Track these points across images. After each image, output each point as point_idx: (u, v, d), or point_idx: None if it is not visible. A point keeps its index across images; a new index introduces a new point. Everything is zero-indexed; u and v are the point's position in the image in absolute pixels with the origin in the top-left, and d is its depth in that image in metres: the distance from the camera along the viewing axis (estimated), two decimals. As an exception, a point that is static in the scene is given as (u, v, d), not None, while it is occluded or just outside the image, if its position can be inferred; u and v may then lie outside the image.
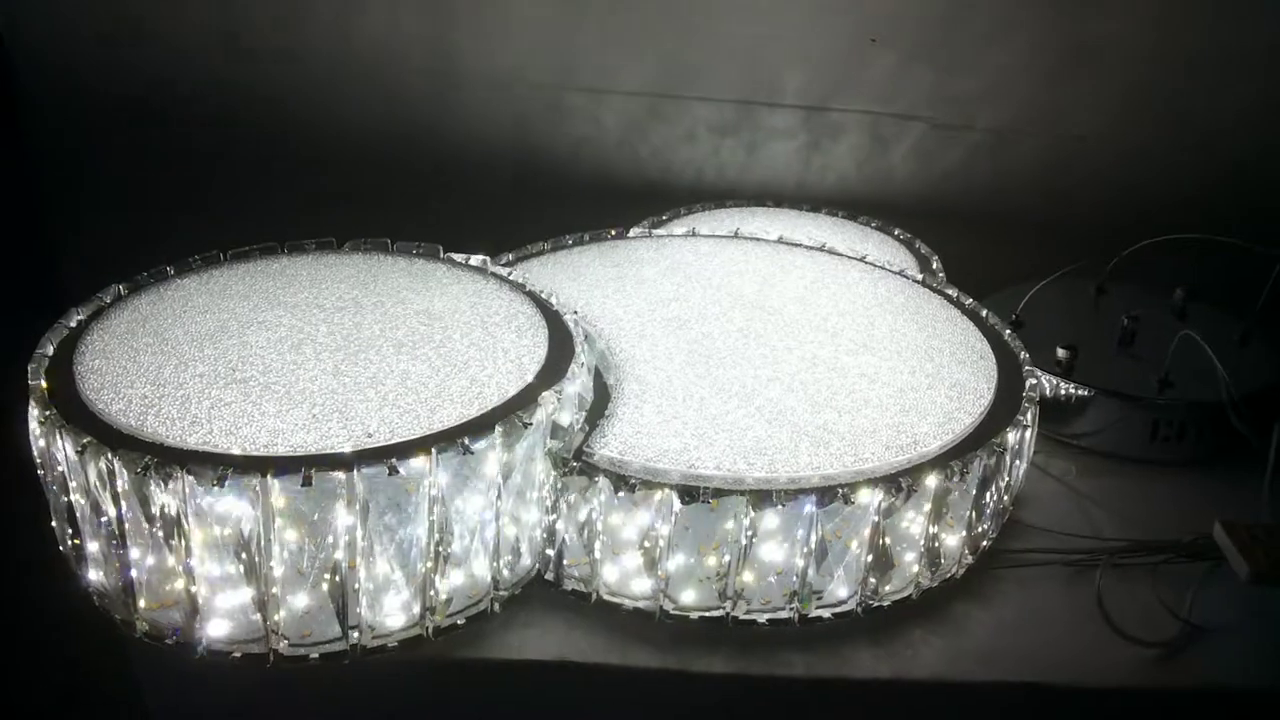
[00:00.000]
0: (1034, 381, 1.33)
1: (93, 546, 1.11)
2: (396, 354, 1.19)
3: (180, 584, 1.05)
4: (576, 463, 1.12)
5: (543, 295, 1.36)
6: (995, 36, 1.89)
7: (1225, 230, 1.58)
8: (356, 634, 1.08)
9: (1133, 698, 1.17)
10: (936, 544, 1.21)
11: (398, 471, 1.02)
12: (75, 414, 1.06)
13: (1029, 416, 1.27)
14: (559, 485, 1.13)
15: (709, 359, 1.32)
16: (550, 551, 1.18)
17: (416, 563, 1.08)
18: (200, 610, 1.05)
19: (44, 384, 1.10)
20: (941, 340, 1.41)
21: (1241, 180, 1.96)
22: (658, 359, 1.31)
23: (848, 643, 1.18)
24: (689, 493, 1.09)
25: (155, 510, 1.01)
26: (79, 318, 1.23)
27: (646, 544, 1.13)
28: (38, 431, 1.08)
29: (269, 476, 0.98)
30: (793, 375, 1.29)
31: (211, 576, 1.04)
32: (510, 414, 1.08)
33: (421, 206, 1.93)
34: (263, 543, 1.02)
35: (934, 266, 1.75)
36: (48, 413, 1.05)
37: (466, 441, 1.05)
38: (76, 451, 1.02)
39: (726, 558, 1.13)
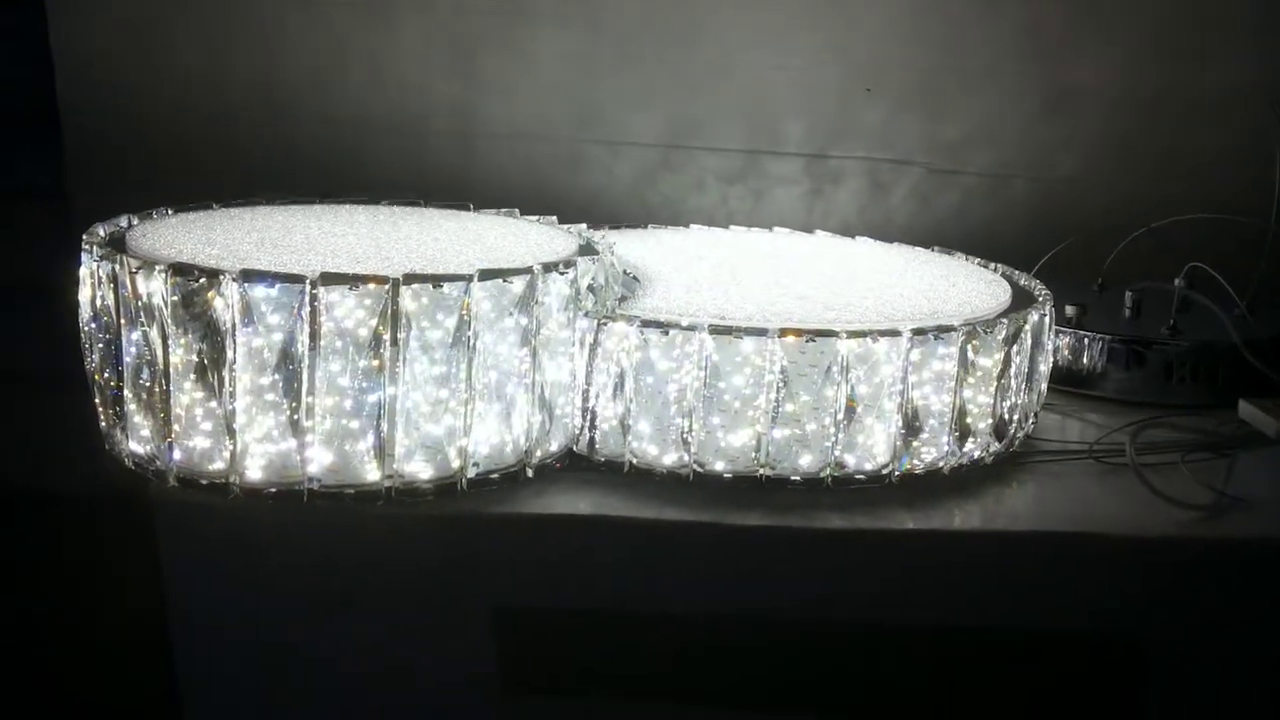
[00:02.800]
0: (1048, 292, 1.38)
1: (133, 407, 1.12)
2: (435, 240, 1.26)
3: (218, 416, 1.06)
4: (610, 313, 1.15)
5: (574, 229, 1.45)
6: (978, 85, 2.04)
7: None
8: (389, 481, 1.08)
9: (1179, 549, 1.15)
10: (966, 418, 1.22)
11: (440, 287, 1.05)
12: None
13: (1047, 309, 1.31)
14: (596, 341, 1.15)
15: (737, 277, 1.37)
16: (584, 421, 1.18)
17: (449, 400, 1.09)
18: (237, 450, 1.06)
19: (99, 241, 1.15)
20: (964, 277, 1.47)
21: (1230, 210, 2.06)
22: (686, 277, 1.37)
23: (881, 503, 1.17)
24: (721, 330, 1.12)
25: (203, 334, 1.04)
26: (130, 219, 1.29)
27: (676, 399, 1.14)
28: (94, 284, 1.11)
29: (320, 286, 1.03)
30: (818, 285, 1.35)
31: (250, 407, 1.06)
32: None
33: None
34: (306, 365, 1.04)
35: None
36: (104, 252, 1.09)
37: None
38: (131, 272, 1.05)
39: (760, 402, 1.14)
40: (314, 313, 1.03)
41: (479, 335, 1.09)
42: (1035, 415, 1.38)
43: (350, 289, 1.04)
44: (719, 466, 1.17)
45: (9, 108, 2.19)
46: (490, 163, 2.11)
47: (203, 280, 1.05)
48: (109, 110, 2.07)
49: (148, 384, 1.10)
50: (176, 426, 1.09)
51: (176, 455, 1.10)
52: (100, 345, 1.15)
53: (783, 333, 1.12)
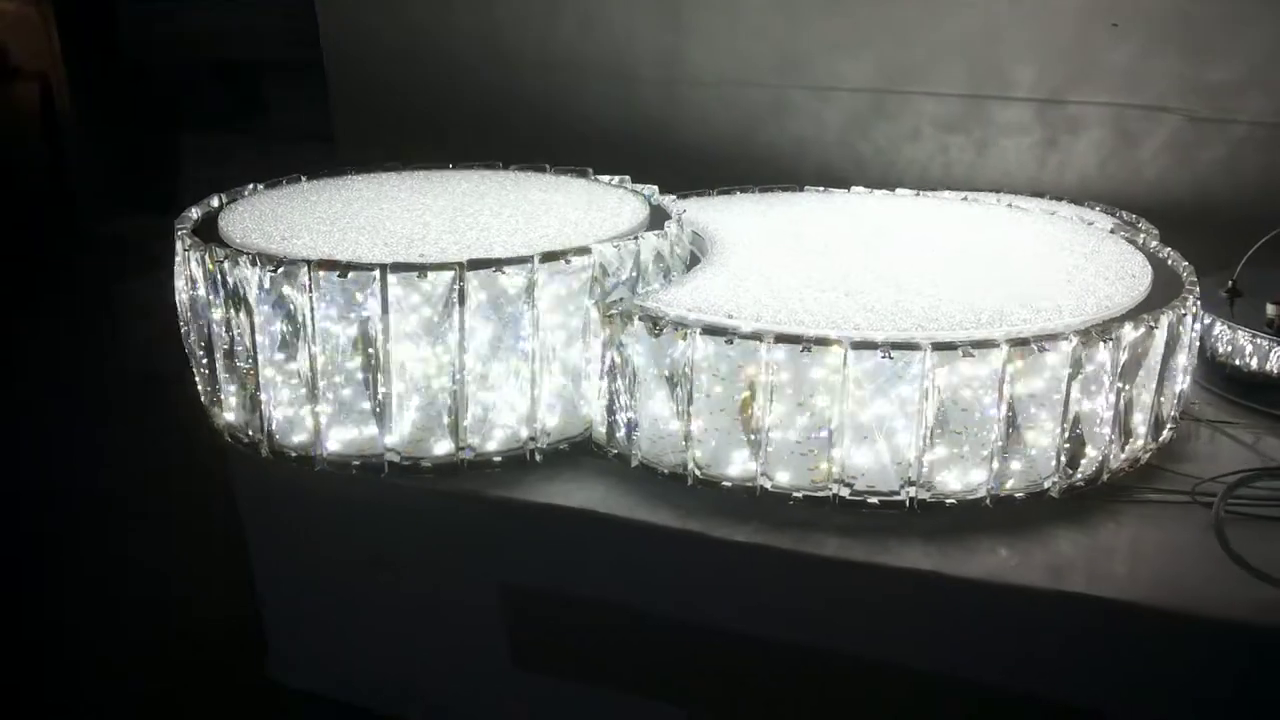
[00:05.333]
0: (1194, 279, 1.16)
1: (230, 385, 1.22)
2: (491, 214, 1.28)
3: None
4: (618, 309, 1.11)
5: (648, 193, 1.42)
6: (1252, 14, 1.69)
7: None
8: (394, 454, 1.13)
9: (1253, 635, 0.94)
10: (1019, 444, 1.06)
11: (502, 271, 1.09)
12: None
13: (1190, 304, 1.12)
14: (605, 334, 1.12)
15: (816, 253, 1.28)
16: (596, 414, 1.16)
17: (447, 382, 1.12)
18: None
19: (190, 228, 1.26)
20: (1093, 260, 1.26)
21: None
22: (765, 250, 1.29)
23: (894, 534, 1.05)
24: (714, 330, 1.05)
25: (285, 316, 1.14)
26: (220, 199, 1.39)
27: (676, 393, 1.09)
28: (190, 272, 1.22)
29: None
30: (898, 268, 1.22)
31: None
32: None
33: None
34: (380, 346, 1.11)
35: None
36: (193, 241, 1.20)
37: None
38: (215, 262, 1.15)
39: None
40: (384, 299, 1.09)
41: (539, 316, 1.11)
42: (1167, 431, 1.17)
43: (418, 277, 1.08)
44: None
45: (287, 62, 2.45)
46: (697, 111, 2.07)
47: (282, 269, 1.11)
48: (362, 63, 2.26)
49: (239, 362, 1.19)
50: (264, 397, 1.17)
51: (264, 426, 1.19)
52: (195, 326, 1.25)
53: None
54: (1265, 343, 1.31)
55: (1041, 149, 1.89)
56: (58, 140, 3.29)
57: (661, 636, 1.15)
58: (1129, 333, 1.06)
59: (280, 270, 1.12)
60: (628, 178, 1.50)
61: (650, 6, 2.03)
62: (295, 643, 1.34)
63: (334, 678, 1.33)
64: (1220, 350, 1.35)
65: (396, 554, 1.21)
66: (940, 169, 1.95)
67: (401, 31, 2.21)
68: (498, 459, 1.16)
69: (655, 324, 1.08)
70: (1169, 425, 1.19)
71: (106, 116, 3.28)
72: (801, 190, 1.64)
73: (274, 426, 1.18)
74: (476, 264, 1.10)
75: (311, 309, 1.11)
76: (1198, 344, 1.22)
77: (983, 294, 1.13)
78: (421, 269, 1.09)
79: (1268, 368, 1.30)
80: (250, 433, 1.21)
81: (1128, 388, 1.09)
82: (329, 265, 1.11)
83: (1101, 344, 1.04)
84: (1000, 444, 1.05)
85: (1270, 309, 1.32)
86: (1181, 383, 1.18)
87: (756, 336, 1.03)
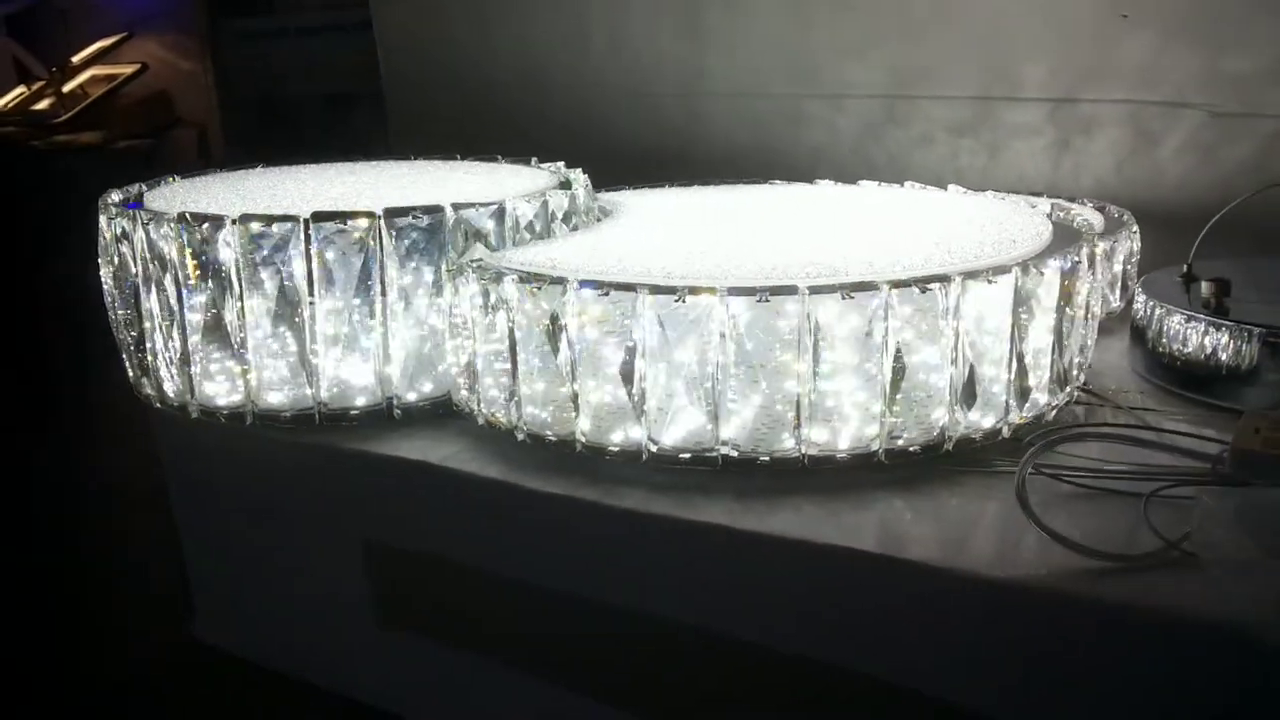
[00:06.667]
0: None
1: (159, 343, 1.30)
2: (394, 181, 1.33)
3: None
4: (470, 265, 1.13)
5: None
6: (1273, 1, 1.56)
7: None
8: (255, 404, 1.18)
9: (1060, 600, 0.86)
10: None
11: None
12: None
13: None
14: (455, 290, 1.14)
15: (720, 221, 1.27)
16: (459, 375, 1.18)
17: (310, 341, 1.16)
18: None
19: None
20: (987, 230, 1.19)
21: None
22: (649, 222, 1.29)
23: (701, 490, 1.02)
24: (527, 278, 1.05)
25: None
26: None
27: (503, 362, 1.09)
28: (111, 243, 1.30)
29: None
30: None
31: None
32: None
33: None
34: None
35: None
36: (117, 210, 1.29)
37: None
38: (144, 224, 1.23)
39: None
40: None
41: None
42: (1046, 407, 1.09)
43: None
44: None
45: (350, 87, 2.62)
46: (715, 124, 2.08)
47: (208, 225, 1.18)
48: (413, 87, 2.39)
49: (163, 325, 1.26)
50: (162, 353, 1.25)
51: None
52: (120, 297, 1.28)
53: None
54: (1202, 324, 1.19)
55: (1055, 151, 1.79)
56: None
57: (508, 595, 1.14)
58: (956, 286, 0.99)
59: (204, 226, 1.17)
60: (562, 164, 1.52)
61: (670, 24, 2.06)
62: (213, 599, 1.41)
63: (244, 637, 1.39)
64: (1160, 336, 1.24)
65: (270, 508, 1.26)
66: (953, 175, 1.87)
67: (448, 61, 2.33)
68: (354, 413, 1.19)
69: (483, 274, 1.09)
70: (1053, 403, 1.10)
71: (249, 156, 3.60)
72: (766, 183, 1.63)
73: (173, 384, 1.24)
74: (393, 212, 1.13)
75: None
76: (1084, 320, 1.13)
77: (829, 252, 1.09)
78: (343, 216, 1.13)
79: (1204, 352, 1.19)
80: (153, 390, 1.28)
81: (968, 350, 1.02)
82: (253, 218, 1.15)
83: (916, 291, 0.98)
84: (811, 400, 1.00)
85: (1205, 287, 1.21)
86: (1058, 356, 1.09)
87: (560, 281, 1.03)
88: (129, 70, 3.81)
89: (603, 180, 1.95)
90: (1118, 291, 1.44)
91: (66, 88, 3.87)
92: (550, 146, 2.18)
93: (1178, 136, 1.69)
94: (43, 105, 3.87)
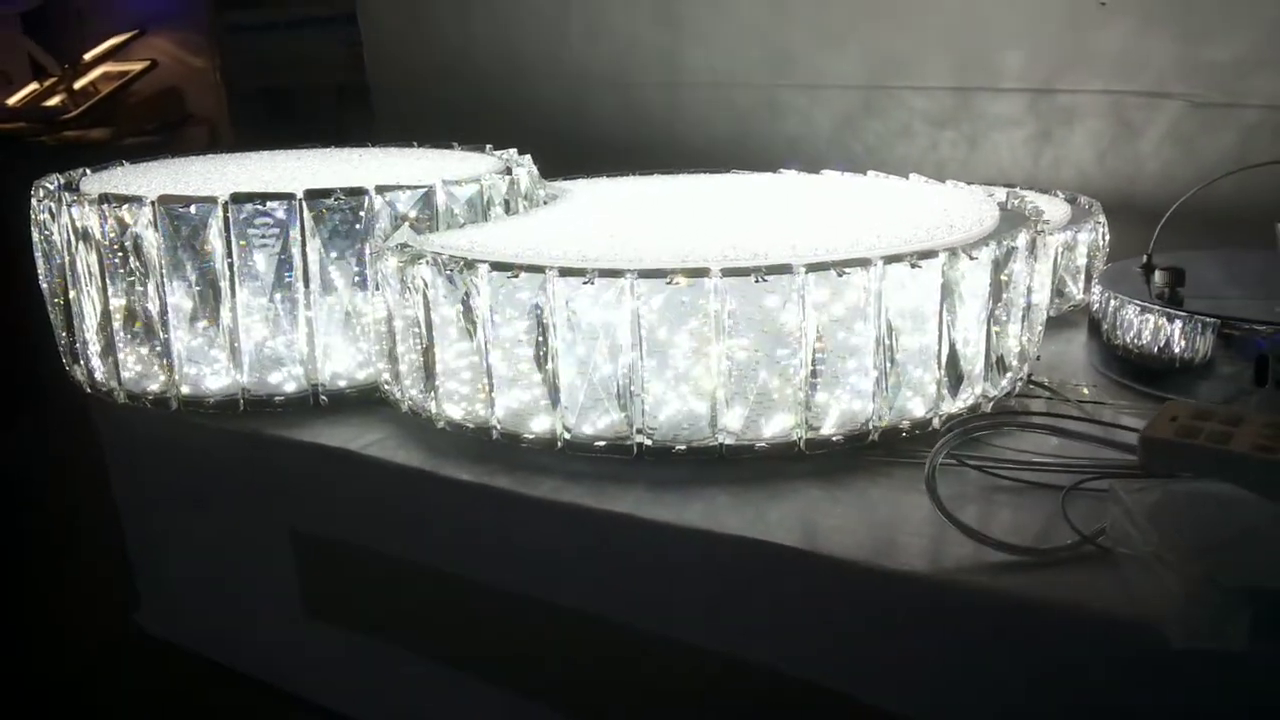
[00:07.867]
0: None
1: (87, 326, 1.29)
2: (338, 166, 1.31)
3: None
4: (390, 249, 1.11)
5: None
6: (1255, -14, 1.52)
7: None
8: (178, 389, 1.16)
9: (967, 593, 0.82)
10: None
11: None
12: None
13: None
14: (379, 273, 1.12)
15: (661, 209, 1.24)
16: (380, 361, 1.16)
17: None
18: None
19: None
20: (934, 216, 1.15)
21: None
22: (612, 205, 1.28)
23: (614, 480, 0.99)
24: (442, 264, 1.03)
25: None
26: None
27: (415, 335, 1.07)
28: (40, 225, 1.29)
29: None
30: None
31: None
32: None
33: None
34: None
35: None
36: (47, 193, 1.28)
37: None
38: (68, 205, 1.21)
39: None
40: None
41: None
42: (980, 399, 1.05)
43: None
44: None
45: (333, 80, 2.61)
46: (694, 113, 2.05)
47: (128, 206, 1.17)
48: (398, 78, 2.38)
49: (89, 309, 1.25)
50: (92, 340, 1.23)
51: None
52: (50, 281, 1.27)
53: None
54: (1154, 316, 1.15)
55: (1035, 142, 1.75)
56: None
57: (430, 585, 1.12)
58: (877, 270, 0.96)
59: (126, 207, 1.15)
60: (514, 150, 1.50)
61: (649, 11, 2.03)
62: (154, 585, 1.39)
63: (185, 626, 1.38)
64: (1115, 328, 1.19)
65: (202, 496, 1.24)
66: (933, 167, 1.83)
67: (431, 53, 2.31)
68: (279, 400, 1.17)
69: (402, 258, 1.07)
70: (991, 394, 1.07)
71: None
72: (729, 173, 1.60)
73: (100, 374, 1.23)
74: (314, 194, 1.12)
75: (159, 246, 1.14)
76: (1024, 309, 1.09)
77: (755, 237, 1.05)
78: (262, 197, 1.11)
79: (1157, 344, 1.14)
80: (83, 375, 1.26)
81: (892, 336, 0.98)
82: (171, 200, 1.13)
83: (834, 274, 0.94)
84: (730, 386, 0.97)
85: (1158, 276, 1.16)
86: (994, 345, 1.05)
87: (471, 265, 1.00)
88: (138, 67, 3.83)
89: (582, 169, 1.94)
90: (1080, 283, 1.40)
91: (77, 84, 3.89)
92: (532, 136, 2.16)
93: (1158, 127, 1.65)
94: (54, 101, 3.90)
